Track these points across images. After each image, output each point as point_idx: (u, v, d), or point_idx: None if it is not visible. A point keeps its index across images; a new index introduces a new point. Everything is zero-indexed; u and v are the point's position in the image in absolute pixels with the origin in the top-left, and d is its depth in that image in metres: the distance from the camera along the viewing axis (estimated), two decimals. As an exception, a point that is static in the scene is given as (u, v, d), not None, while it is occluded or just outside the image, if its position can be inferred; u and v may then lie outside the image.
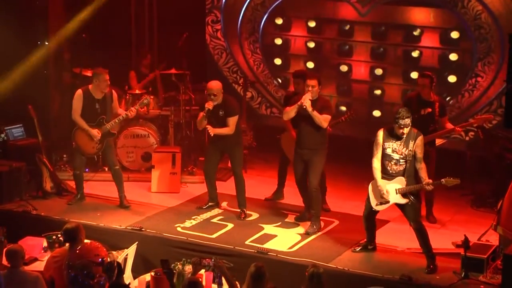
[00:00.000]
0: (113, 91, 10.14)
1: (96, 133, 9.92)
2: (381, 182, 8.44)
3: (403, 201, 8.42)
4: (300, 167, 9.41)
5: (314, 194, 9.33)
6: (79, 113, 9.94)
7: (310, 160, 9.27)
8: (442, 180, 8.34)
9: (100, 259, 7.30)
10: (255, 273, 6.90)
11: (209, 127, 9.63)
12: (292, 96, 9.85)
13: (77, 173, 10.28)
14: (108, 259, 7.41)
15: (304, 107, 8.98)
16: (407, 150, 8.34)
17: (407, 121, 8.28)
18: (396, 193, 8.41)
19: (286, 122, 10.05)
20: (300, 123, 9.32)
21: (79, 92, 9.99)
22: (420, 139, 8.38)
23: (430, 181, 8.30)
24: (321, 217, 9.58)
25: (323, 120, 9.11)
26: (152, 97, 11.65)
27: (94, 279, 7.05)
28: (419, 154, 8.37)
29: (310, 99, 9.07)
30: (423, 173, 8.36)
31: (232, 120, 9.71)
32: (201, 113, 9.73)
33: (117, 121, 10.01)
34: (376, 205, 8.56)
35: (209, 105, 9.59)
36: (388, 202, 8.48)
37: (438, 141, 9.91)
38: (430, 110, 9.57)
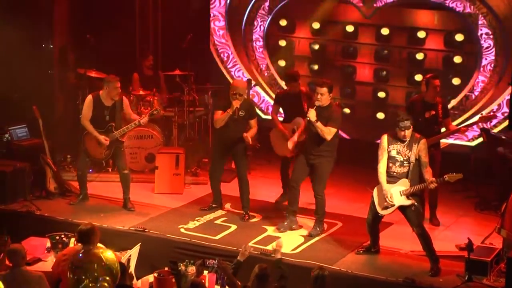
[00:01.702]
0: (124, 97, 10.13)
1: (103, 139, 9.92)
2: (386, 186, 8.44)
3: (408, 202, 8.41)
4: (304, 169, 9.31)
5: (318, 200, 9.31)
6: (88, 119, 9.96)
7: (316, 166, 9.21)
8: (445, 176, 8.34)
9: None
10: (259, 273, 6.91)
11: (246, 136, 9.55)
12: (283, 95, 10.00)
13: (79, 174, 10.28)
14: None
15: (308, 118, 8.95)
16: (410, 152, 8.36)
17: (407, 123, 8.31)
18: (401, 195, 8.40)
19: (273, 118, 10.23)
20: (309, 130, 9.23)
21: (89, 98, 10.01)
22: (423, 142, 8.39)
23: (434, 179, 8.29)
24: (325, 219, 9.56)
25: (327, 132, 9.00)
26: (156, 97, 11.67)
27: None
28: (424, 158, 8.38)
29: (319, 106, 8.99)
30: (428, 175, 8.35)
31: (255, 122, 9.76)
32: (219, 111, 9.67)
33: (125, 129, 9.99)
34: (382, 209, 8.54)
35: (237, 104, 9.52)
36: (393, 205, 8.47)
37: (443, 144, 9.90)
38: (434, 112, 9.55)
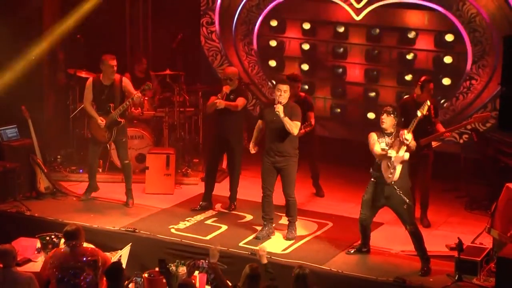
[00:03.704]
0: (124, 77, 10.18)
1: (100, 120, 9.97)
2: (385, 152, 8.38)
3: (406, 154, 8.29)
4: (272, 173, 9.19)
5: (291, 203, 9.27)
6: (89, 101, 10.10)
7: (283, 169, 9.14)
8: (418, 111, 8.38)
9: (92, 261, 7.31)
10: (251, 273, 6.92)
11: (218, 101, 9.71)
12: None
13: (89, 163, 10.42)
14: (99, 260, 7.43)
15: (277, 112, 8.89)
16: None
17: (389, 108, 8.45)
18: (397, 152, 8.35)
19: None
20: (269, 130, 9.18)
21: (89, 80, 10.15)
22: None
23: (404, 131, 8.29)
24: (316, 219, 9.69)
25: (295, 126, 8.96)
26: (145, 100, 11.65)
27: (80, 277, 7.06)
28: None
29: (280, 104, 8.93)
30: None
31: (241, 100, 9.84)
32: (213, 97, 9.85)
33: (121, 108, 9.99)
34: (389, 176, 8.40)
35: (227, 89, 9.76)
36: (398, 154, 8.34)
37: (434, 144, 9.94)
38: (427, 113, 9.54)
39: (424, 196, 9.76)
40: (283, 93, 9.00)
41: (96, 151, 10.35)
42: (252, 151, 9.46)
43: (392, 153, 8.35)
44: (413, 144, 8.33)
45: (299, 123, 9.03)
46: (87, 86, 10.11)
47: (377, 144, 8.50)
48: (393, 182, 8.38)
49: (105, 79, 10.01)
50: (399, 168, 8.36)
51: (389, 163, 8.43)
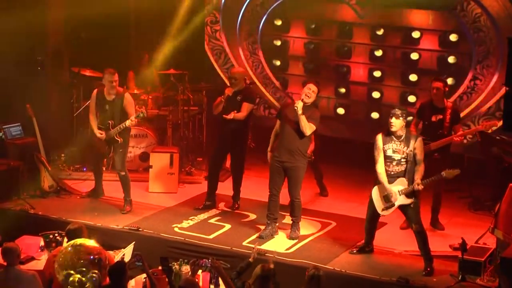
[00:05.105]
0: (126, 94, 9.99)
1: (99, 133, 9.96)
2: (388, 185, 8.45)
3: (408, 201, 8.44)
4: (280, 174, 9.22)
5: (296, 203, 9.27)
6: (93, 112, 10.06)
7: (292, 170, 9.14)
8: (443, 172, 8.39)
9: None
10: (262, 274, 6.91)
11: (230, 115, 9.73)
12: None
13: (93, 168, 10.51)
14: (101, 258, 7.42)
15: (296, 108, 8.91)
16: (408, 149, 8.37)
17: (397, 111, 8.37)
18: (400, 195, 8.41)
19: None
20: (284, 128, 9.17)
21: (94, 91, 10.11)
22: (420, 140, 8.44)
23: (419, 181, 8.33)
24: (319, 219, 9.70)
25: (309, 127, 8.97)
26: (149, 98, 11.66)
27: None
28: (419, 155, 8.40)
29: (304, 103, 8.96)
30: (417, 175, 8.38)
31: (246, 106, 9.81)
32: (219, 97, 9.88)
33: (118, 128, 9.90)
34: (382, 210, 8.56)
35: (229, 91, 9.78)
36: (393, 205, 8.49)
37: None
38: (441, 116, 9.50)
39: (436, 201, 9.70)
40: (312, 93, 9.03)
41: (99, 157, 10.42)
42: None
43: (397, 199, 8.47)
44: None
45: (314, 127, 9.03)
46: (92, 97, 10.10)
47: (381, 157, 8.46)
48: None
49: (107, 93, 9.92)
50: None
51: (392, 197, 8.46)
